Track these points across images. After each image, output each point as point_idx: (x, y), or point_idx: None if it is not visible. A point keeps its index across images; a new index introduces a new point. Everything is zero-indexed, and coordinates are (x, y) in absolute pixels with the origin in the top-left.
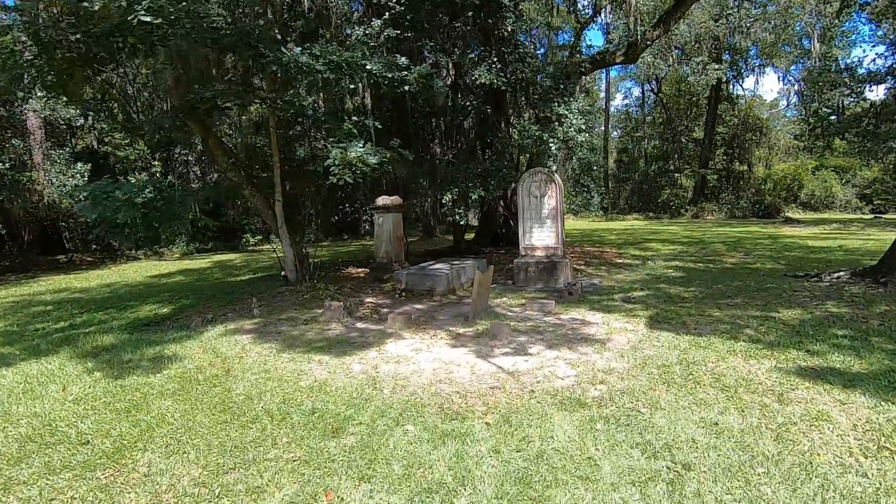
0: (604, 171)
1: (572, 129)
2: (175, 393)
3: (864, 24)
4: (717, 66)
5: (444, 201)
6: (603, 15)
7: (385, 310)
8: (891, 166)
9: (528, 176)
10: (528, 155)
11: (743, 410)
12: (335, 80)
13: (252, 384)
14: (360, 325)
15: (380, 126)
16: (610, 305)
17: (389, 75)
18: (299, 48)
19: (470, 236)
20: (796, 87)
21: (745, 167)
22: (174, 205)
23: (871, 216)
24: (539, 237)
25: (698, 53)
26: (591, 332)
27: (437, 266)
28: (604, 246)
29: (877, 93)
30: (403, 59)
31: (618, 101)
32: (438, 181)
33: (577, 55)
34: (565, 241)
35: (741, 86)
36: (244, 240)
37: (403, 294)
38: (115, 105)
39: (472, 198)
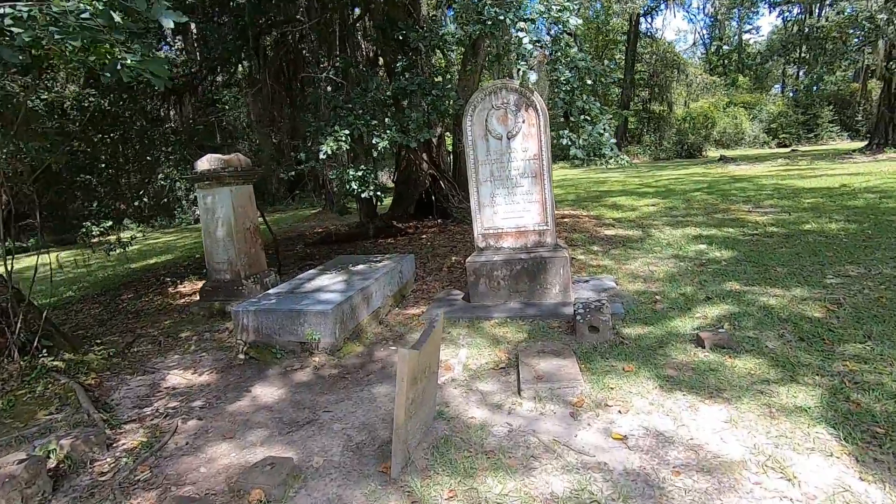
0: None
1: (554, 6)
2: None
3: None
4: None
5: (322, 157)
6: None
7: (190, 421)
8: (791, 100)
9: (482, 98)
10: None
11: None
12: None
13: None
14: None
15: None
16: (693, 364)
17: None
18: None
19: (387, 204)
20: (700, 24)
21: (665, 107)
22: None
23: (788, 150)
24: (509, 212)
25: None
26: None
27: (323, 283)
28: (561, 205)
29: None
30: None
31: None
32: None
33: None
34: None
35: (651, 24)
36: (84, 229)
37: (251, 354)
38: None
39: (380, 147)
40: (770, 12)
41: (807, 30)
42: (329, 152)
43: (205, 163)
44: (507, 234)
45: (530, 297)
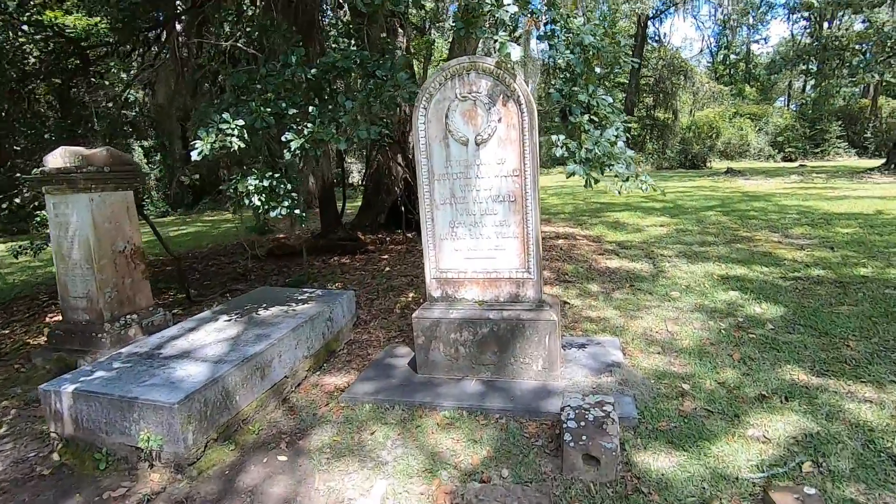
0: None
1: None
2: None
3: None
4: None
5: (197, 157)
6: None
7: None
8: (797, 113)
9: (442, 83)
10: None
11: None
12: None
13: None
14: None
15: None
16: None
17: None
18: None
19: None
20: (709, 32)
21: (670, 114)
22: None
23: (796, 165)
24: (475, 250)
25: None
26: None
27: (205, 339)
28: (555, 219)
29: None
30: None
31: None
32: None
33: None
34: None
35: (658, 29)
36: (39, 217)
37: (66, 457)
38: None
39: (293, 147)
40: (787, 19)
41: (824, 40)
42: (206, 152)
43: (57, 158)
44: (471, 280)
45: (499, 373)
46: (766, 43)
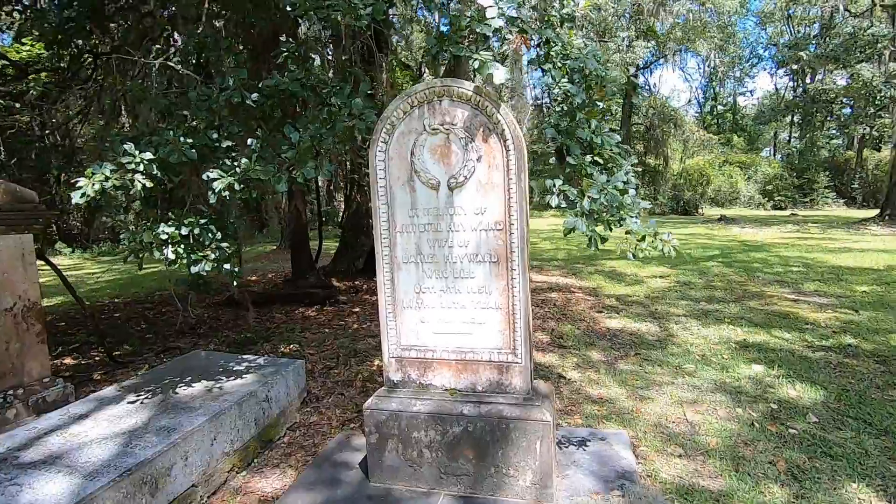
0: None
1: None
2: None
3: (754, 26)
4: (644, 44)
5: (79, 200)
6: None
7: None
8: (787, 164)
9: (406, 112)
10: None
11: None
12: None
13: None
14: None
15: None
16: None
17: None
18: None
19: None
20: (696, 84)
21: (661, 161)
22: None
23: (787, 213)
24: (447, 322)
25: (622, 29)
26: None
27: (87, 435)
28: (548, 266)
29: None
30: None
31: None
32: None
33: None
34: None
35: (647, 79)
36: None
37: None
38: None
39: (217, 188)
40: (772, 73)
41: (811, 93)
42: (90, 194)
43: None
44: (440, 362)
45: (476, 487)
46: (752, 95)
